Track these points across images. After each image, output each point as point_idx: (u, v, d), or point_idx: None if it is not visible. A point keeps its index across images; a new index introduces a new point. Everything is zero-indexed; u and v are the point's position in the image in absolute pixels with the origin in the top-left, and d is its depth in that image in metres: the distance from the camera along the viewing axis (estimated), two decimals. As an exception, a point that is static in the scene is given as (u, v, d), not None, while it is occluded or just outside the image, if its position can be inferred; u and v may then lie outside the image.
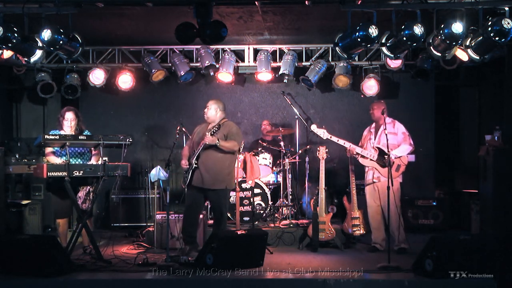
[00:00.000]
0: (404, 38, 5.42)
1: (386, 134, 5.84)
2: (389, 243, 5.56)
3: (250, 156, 7.01)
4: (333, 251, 6.33)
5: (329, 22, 6.79)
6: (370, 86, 7.97)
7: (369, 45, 5.58)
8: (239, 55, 8.24)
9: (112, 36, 7.60)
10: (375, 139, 6.36)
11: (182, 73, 7.92)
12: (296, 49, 8.08)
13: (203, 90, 8.62)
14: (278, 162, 7.57)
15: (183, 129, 7.18)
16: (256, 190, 7.18)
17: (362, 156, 6.32)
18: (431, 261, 4.74)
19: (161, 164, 7.37)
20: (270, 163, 7.57)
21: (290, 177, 7.34)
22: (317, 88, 8.37)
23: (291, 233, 6.74)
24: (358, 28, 5.34)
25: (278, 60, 8.03)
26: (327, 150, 6.47)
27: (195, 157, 5.83)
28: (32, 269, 4.87)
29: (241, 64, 8.21)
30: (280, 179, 7.53)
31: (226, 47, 8.01)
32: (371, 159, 6.28)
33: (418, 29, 5.33)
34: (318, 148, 6.51)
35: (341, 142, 6.35)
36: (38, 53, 5.99)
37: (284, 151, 7.45)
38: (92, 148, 5.99)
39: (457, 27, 5.35)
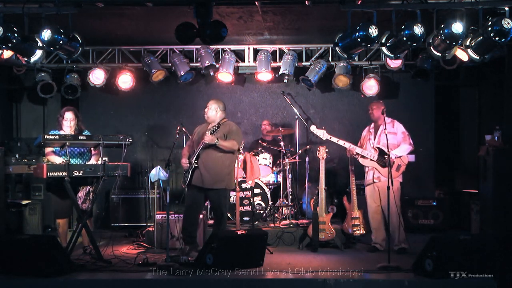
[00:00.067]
0: (404, 38, 5.42)
1: (386, 134, 5.84)
2: (389, 243, 5.57)
3: (250, 156, 7.01)
4: (333, 251, 6.33)
5: (329, 22, 6.79)
6: (370, 86, 7.97)
7: (369, 45, 5.58)
8: (239, 55, 8.24)
9: (112, 36, 7.60)
10: (374, 139, 6.36)
11: (182, 73, 7.92)
12: (296, 49, 8.08)
13: (203, 90, 8.62)
14: (278, 162, 7.57)
15: (183, 129, 7.18)
16: (256, 190, 7.18)
17: (362, 156, 6.33)
18: (431, 261, 4.74)
19: (161, 164, 7.37)
20: (270, 163, 7.57)
21: (290, 177, 7.34)
22: (317, 88, 8.37)
23: (291, 233, 6.74)
24: (358, 28, 5.34)
25: (278, 60, 8.03)
26: (327, 150, 6.48)
27: (195, 157, 5.83)
28: (32, 269, 4.86)
29: (241, 64, 8.21)
30: (280, 179, 7.53)
31: (226, 47, 8.01)
32: (371, 159, 6.28)
33: (418, 29, 5.33)
34: (318, 148, 6.51)
35: (341, 142, 6.35)
36: (38, 53, 5.99)
37: (284, 151, 7.45)
38: (92, 148, 5.99)
39: (457, 27, 5.35)
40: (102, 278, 5.01)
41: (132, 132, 8.07)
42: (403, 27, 5.39)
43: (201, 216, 6.25)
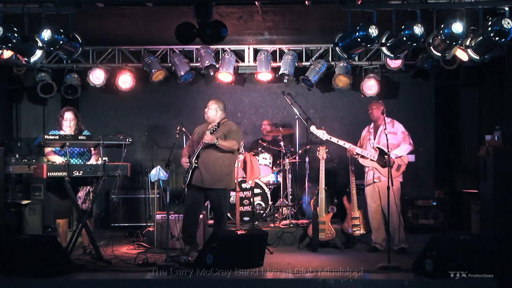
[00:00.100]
0: (404, 38, 5.42)
1: (386, 134, 5.84)
2: (389, 243, 5.57)
3: (250, 156, 7.01)
4: (333, 251, 6.33)
5: (329, 22, 6.79)
6: (370, 86, 7.96)
7: (369, 45, 5.58)
8: (239, 55, 8.24)
9: (112, 36, 7.60)
10: (374, 139, 6.36)
11: (182, 73, 7.92)
12: (296, 49, 8.08)
13: (203, 90, 8.62)
14: (278, 162, 7.57)
15: (183, 129, 7.17)
16: (256, 190, 7.18)
17: (362, 157, 6.32)
18: (431, 261, 4.74)
19: (161, 164, 7.38)
20: (270, 163, 7.57)
21: (290, 177, 7.34)
22: (317, 88, 8.37)
23: (291, 233, 6.74)
24: (358, 28, 5.34)
25: (278, 60, 8.03)
26: (327, 150, 6.48)
27: (195, 157, 5.84)
28: (32, 269, 4.86)
29: (241, 64, 8.21)
30: (280, 179, 7.53)
31: (226, 47, 8.01)
32: (371, 159, 6.28)
33: (418, 29, 5.33)
34: (318, 148, 6.51)
35: (341, 143, 6.35)
36: (38, 53, 5.99)
37: (284, 151, 7.45)
38: (92, 148, 5.99)
39: (457, 27, 5.35)
40: (102, 278, 5.01)
41: (132, 132, 8.07)
42: (403, 27, 5.39)
43: (201, 216, 6.25)
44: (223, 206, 5.94)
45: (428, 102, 8.48)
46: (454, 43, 5.51)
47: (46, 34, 5.50)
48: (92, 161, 5.96)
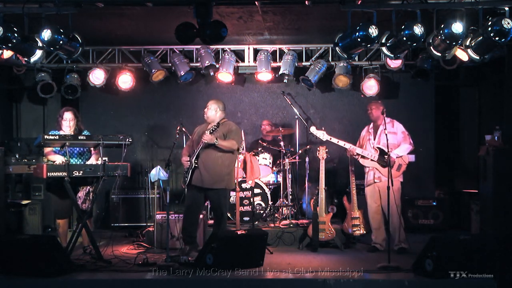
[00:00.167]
0: (404, 38, 5.42)
1: (386, 134, 5.84)
2: (389, 243, 5.57)
3: (250, 156, 7.01)
4: (333, 251, 6.33)
5: (329, 22, 6.79)
6: (370, 86, 7.96)
7: (369, 45, 5.58)
8: (239, 55, 8.24)
9: (112, 36, 7.60)
10: (374, 139, 6.36)
11: (182, 73, 7.92)
12: (296, 49, 8.08)
13: (203, 90, 8.61)
14: (278, 162, 7.57)
15: (183, 129, 7.18)
16: (256, 190, 7.18)
17: (363, 157, 6.32)
18: (431, 261, 4.74)
19: (161, 164, 7.38)
20: (270, 163, 7.56)
21: (290, 177, 7.34)
22: (317, 88, 8.37)
23: (291, 233, 6.74)
24: (358, 28, 5.34)
25: (278, 60, 8.03)
26: (327, 150, 6.48)
27: (195, 157, 5.84)
28: (32, 269, 4.86)
29: (241, 64, 8.21)
30: (280, 179, 7.53)
31: (226, 47, 8.01)
32: (371, 160, 6.28)
33: (418, 29, 5.33)
34: (318, 148, 6.51)
35: (341, 143, 6.35)
36: (38, 53, 5.99)
37: (284, 151, 7.45)
38: (92, 148, 5.99)
39: (457, 27, 5.35)
40: (102, 278, 5.01)
41: (132, 132, 8.06)
42: (403, 27, 5.39)
43: (201, 216, 6.25)
44: (223, 206, 5.93)
45: (428, 102, 8.48)
46: (454, 43, 5.52)
47: (46, 34, 5.51)
48: (92, 160, 5.96)
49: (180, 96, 8.65)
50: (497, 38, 5.31)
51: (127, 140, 5.71)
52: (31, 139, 7.80)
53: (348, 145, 6.34)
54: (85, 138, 5.73)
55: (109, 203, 7.97)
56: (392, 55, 5.92)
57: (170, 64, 8.01)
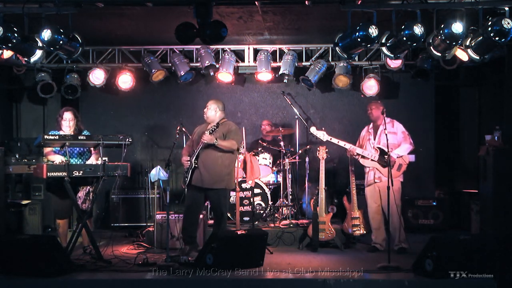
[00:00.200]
0: (404, 38, 5.42)
1: (386, 134, 5.84)
2: (389, 243, 5.57)
3: (250, 156, 7.00)
4: (333, 251, 6.33)
5: (329, 22, 6.79)
6: (370, 86, 7.96)
7: (369, 45, 5.58)
8: (239, 55, 8.24)
9: (112, 36, 7.60)
10: (375, 139, 6.36)
11: (182, 73, 7.92)
12: (296, 49, 8.08)
13: (203, 90, 8.61)
14: (278, 162, 7.57)
15: (183, 129, 7.18)
16: (256, 190, 7.17)
17: (363, 157, 6.32)
18: (431, 261, 4.74)
19: (161, 164, 7.37)
20: (270, 163, 7.56)
21: (290, 177, 7.34)
22: (317, 88, 8.37)
23: (291, 233, 6.74)
24: (358, 28, 5.34)
25: (278, 60, 8.03)
26: (327, 150, 6.48)
27: (195, 157, 5.84)
28: (32, 269, 4.86)
29: (241, 64, 8.21)
30: (280, 179, 7.53)
31: (226, 47, 8.01)
32: (372, 160, 6.28)
33: (418, 29, 5.33)
34: (318, 148, 6.51)
35: (342, 143, 6.35)
36: (38, 53, 5.99)
37: (284, 151, 7.45)
38: (92, 148, 5.99)
39: (457, 27, 5.35)
40: (102, 278, 5.01)
41: (132, 132, 8.06)
42: (403, 27, 5.39)
43: (201, 216, 6.25)
44: (223, 206, 5.93)
45: (428, 102, 8.48)
46: (454, 43, 5.52)
47: (46, 34, 5.51)
48: (91, 160, 5.96)
49: (180, 96, 8.65)
50: (497, 38, 5.32)
51: (127, 140, 5.71)
52: (31, 139, 7.80)
53: (348, 145, 6.33)
54: (85, 138, 5.73)
55: (109, 203, 7.97)
56: (392, 55, 5.92)
57: (170, 64, 8.01)
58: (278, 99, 8.54)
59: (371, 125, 6.50)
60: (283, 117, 8.61)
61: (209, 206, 6.77)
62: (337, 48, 5.84)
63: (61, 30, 5.56)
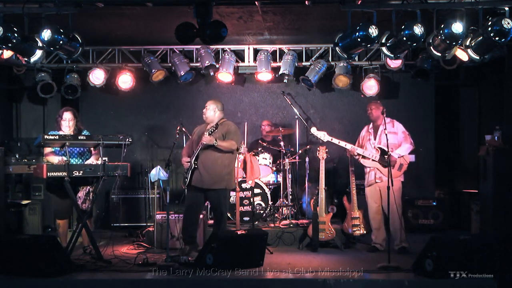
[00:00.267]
0: (404, 38, 5.42)
1: (386, 134, 5.84)
2: (389, 243, 5.56)
3: (250, 156, 7.00)
4: (333, 251, 6.33)
5: (329, 22, 6.79)
6: (370, 86, 7.96)
7: (369, 45, 5.58)
8: (239, 55, 8.24)
9: (112, 36, 7.60)
10: (375, 139, 6.36)
11: (182, 73, 7.92)
12: (296, 49, 8.08)
13: (203, 90, 8.61)
14: (278, 162, 7.57)
15: (183, 129, 7.18)
16: (256, 190, 7.18)
17: (364, 157, 6.32)
18: (431, 261, 4.74)
19: (161, 164, 7.37)
20: (270, 163, 7.56)
21: (290, 177, 7.34)
22: (317, 88, 8.37)
23: (291, 233, 6.74)
24: (358, 28, 5.34)
25: (278, 60, 8.03)
26: (327, 150, 6.48)
27: (194, 157, 5.84)
28: (32, 269, 4.86)
29: (241, 64, 8.21)
30: (280, 179, 7.53)
31: (226, 47, 8.01)
32: (373, 160, 6.28)
33: (418, 29, 5.33)
34: (318, 148, 6.51)
35: (342, 144, 6.35)
36: (38, 53, 5.99)
37: (284, 151, 7.45)
38: (92, 148, 5.99)
39: (457, 27, 5.35)
40: (102, 278, 5.00)
41: (132, 132, 8.07)
42: (403, 27, 5.39)
43: (201, 216, 6.25)
44: (223, 206, 5.93)
45: (428, 102, 8.48)
46: (454, 43, 5.52)
47: (46, 34, 5.50)
48: (92, 160, 5.96)
49: (180, 96, 8.65)
50: (497, 38, 5.32)
51: (127, 140, 5.71)
52: (31, 139, 7.80)
53: (349, 146, 6.34)
54: (85, 138, 5.73)
55: (109, 203, 7.97)
56: (392, 55, 5.92)
57: (170, 64, 8.01)
58: (278, 99, 8.54)
59: (371, 125, 6.50)
60: (283, 117, 8.61)
61: (209, 206, 6.77)
62: (337, 48, 5.84)
63: (61, 30, 5.56)
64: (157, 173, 6.98)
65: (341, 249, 6.40)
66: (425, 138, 8.27)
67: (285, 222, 7.11)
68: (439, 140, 8.52)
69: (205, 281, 4.88)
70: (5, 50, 6.09)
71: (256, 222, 7.06)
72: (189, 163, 5.88)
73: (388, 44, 5.73)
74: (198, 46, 7.87)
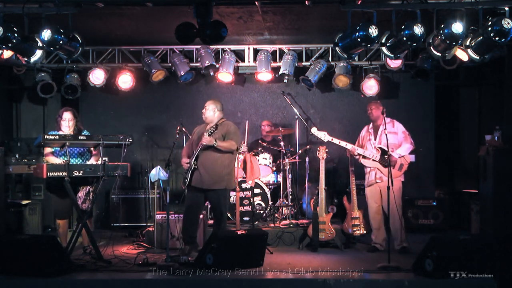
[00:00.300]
0: (404, 38, 5.42)
1: (386, 134, 5.84)
2: (389, 243, 5.56)
3: (250, 156, 7.00)
4: (333, 251, 6.33)
5: (329, 22, 6.79)
6: (370, 86, 7.96)
7: (369, 45, 5.58)
8: (239, 55, 8.24)
9: (112, 36, 7.60)
10: (375, 139, 6.36)
11: (182, 73, 7.92)
12: (296, 49, 8.08)
13: (203, 90, 8.61)
14: (278, 162, 7.56)
15: (183, 129, 7.18)
16: (256, 190, 7.18)
17: (364, 157, 6.32)
18: (431, 261, 4.74)
19: (161, 164, 7.38)
20: (270, 163, 7.56)
21: (290, 177, 7.34)
22: (317, 88, 8.37)
23: (291, 233, 6.74)
24: (358, 28, 5.34)
25: (278, 60, 8.03)
26: (327, 150, 6.48)
27: (194, 158, 5.84)
28: (32, 269, 4.86)
29: (241, 64, 8.21)
30: (280, 179, 7.53)
31: (226, 47, 8.01)
32: (373, 160, 6.28)
33: (418, 29, 5.33)
34: (318, 148, 6.51)
35: (343, 144, 6.35)
36: (38, 53, 5.99)
37: (284, 151, 7.45)
38: (92, 148, 5.99)
39: (457, 27, 5.35)
40: (102, 278, 5.01)
41: (132, 132, 8.05)
42: (403, 27, 5.39)
43: (201, 216, 6.25)
44: (223, 206, 5.93)
45: (428, 102, 8.48)
46: (454, 43, 5.52)
47: (46, 34, 5.50)
48: (92, 160, 5.96)
49: (180, 96, 8.65)
50: (497, 38, 5.31)
51: (127, 140, 5.71)
52: (31, 139, 7.79)
53: (350, 146, 6.34)
54: (85, 138, 5.73)
55: (109, 203, 7.97)
56: (392, 55, 5.92)
57: (170, 64, 8.02)
58: (278, 99, 8.54)
59: (371, 125, 6.50)
60: (283, 117, 8.61)
61: (209, 206, 6.77)
62: (337, 48, 5.84)
63: (61, 30, 5.56)
64: (157, 173, 6.98)
65: (341, 249, 6.40)
66: (425, 138, 8.28)
67: (285, 222, 7.11)
68: (439, 140, 8.52)
69: (205, 281, 4.88)
70: (5, 50, 6.10)
71: (256, 222, 7.06)
72: (188, 164, 5.88)
73: (388, 44, 5.73)
74: (198, 46, 7.87)
